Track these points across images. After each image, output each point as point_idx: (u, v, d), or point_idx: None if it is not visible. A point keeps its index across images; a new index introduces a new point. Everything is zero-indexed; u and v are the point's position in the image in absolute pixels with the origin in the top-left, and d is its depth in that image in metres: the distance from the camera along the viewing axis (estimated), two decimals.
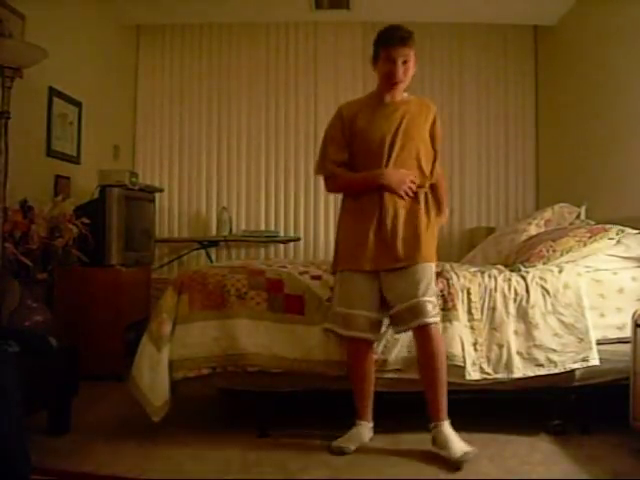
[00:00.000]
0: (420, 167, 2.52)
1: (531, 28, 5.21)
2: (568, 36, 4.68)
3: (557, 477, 2.20)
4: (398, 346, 2.55)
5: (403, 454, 2.40)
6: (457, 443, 2.31)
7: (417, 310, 2.35)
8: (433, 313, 2.38)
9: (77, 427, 2.60)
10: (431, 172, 2.56)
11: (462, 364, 2.53)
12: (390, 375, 2.56)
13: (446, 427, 2.36)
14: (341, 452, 2.39)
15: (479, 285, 2.65)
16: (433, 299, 2.41)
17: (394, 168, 2.47)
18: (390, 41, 2.47)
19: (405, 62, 2.48)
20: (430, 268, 2.45)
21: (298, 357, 2.55)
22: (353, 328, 2.43)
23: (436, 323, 2.40)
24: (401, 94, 2.58)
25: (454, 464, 2.25)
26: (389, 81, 2.51)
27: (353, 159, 2.56)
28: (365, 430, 2.50)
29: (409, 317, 2.37)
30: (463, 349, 2.54)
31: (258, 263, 3.08)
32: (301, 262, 3.59)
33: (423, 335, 2.37)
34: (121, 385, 3.13)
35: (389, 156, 2.48)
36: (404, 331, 2.47)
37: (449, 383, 2.45)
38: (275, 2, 4.77)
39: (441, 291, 2.60)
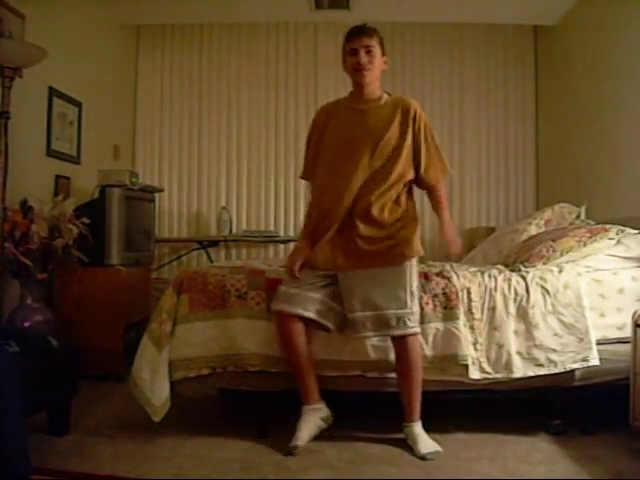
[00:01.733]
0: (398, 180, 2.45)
1: (531, 28, 5.20)
2: (568, 36, 4.68)
3: (557, 477, 2.20)
4: None
5: (403, 454, 2.40)
6: (425, 442, 2.40)
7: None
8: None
9: (77, 427, 2.60)
10: (417, 178, 2.51)
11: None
12: (390, 375, 2.56)
13: (417, 426, 2.45)
14: (289, 453, 2.36)
15: (479, 285, 2.65)
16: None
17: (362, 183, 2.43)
18: (350, 35, 2.48)
19: (369, 51, 2.44)
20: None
21: None
22: None
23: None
24: (375, 92, 2.50)
25: (420, 458, 2.34)
26: (356, 72, 2.46)
27: (321, 164, 2.56)
28: (314, 415, 2.47)
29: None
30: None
31: (258, 263, 3.08)
32: None
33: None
34: (121, 385, 3.13)
35: (355, 167, 2.43)
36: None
37: (451, 382, 2.49)
38: (275, 2, 4.77)
39: (442, 290, 2.61)
